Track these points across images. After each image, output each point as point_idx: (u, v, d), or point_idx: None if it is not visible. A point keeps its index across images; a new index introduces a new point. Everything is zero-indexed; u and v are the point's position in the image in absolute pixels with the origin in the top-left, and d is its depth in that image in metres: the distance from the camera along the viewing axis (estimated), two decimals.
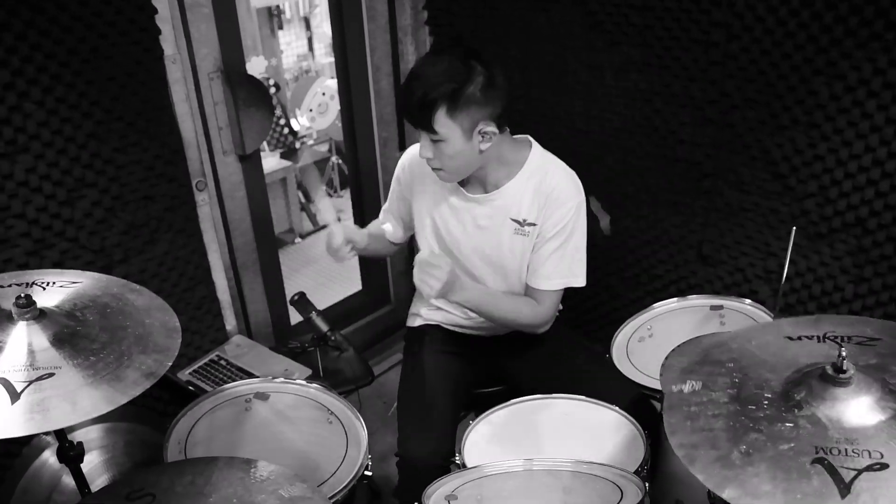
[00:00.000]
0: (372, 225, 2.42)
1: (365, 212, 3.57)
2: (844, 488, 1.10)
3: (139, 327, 1.54)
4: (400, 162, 2.27)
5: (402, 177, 2.26)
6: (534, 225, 2.03)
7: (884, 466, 1.12)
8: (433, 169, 1.99)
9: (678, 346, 2.01)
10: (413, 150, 2.17)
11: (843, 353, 1.22)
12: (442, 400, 2.10)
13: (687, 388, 1.37)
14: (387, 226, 2.40)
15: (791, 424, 1.22)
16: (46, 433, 2.10)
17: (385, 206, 2.42)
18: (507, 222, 2.05)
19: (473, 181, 2.08)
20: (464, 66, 1.82)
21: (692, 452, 1.23)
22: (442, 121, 1.83)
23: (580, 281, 2.07)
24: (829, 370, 1.23)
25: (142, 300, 1.64)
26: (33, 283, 1.63)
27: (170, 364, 1.46)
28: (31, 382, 1.35)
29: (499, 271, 2.13)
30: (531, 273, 2.07)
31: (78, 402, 1.34)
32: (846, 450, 1.16)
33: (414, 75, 1.86)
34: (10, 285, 1.62)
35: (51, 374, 1.37)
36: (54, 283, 1.64)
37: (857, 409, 1.21)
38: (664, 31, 2.41)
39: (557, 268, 2.04)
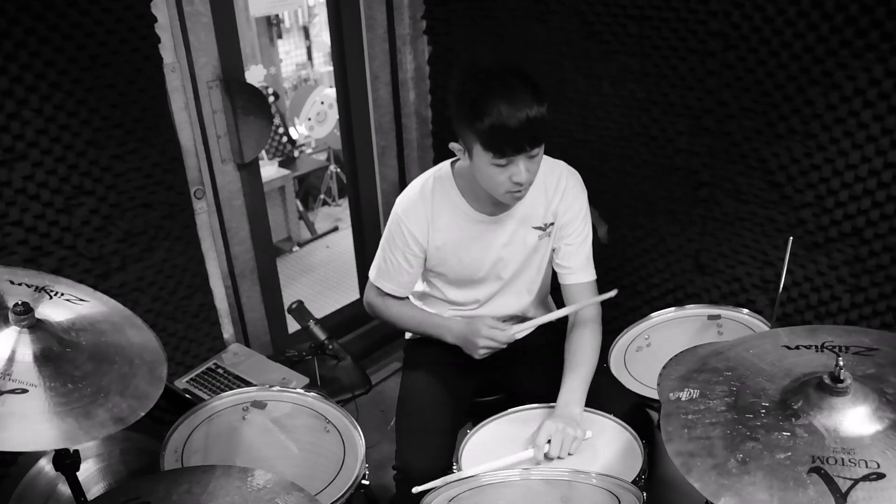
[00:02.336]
0: (408, 303, 2.25)
1: (362, 221, 3.57)
2: (840, 498, 1.10)
3: (126, 366, 1.50)
4: (404, 219, 2.05)
5: (416, 228, 2.05)
6: (553, 224, 2.07)
7: (880, 476, 1.12)
8: (516, 193, 1.88)
9: (675, 355, 2.01)
10: (408, 199, 2.06)
11: (841, 363, 1.22)
12: (441, 411, 2.10)
13: (685, 395, 1.36)
14: (414, 285, 2.22)
15: (788, 433, 1.22)
16: None
17: (389, 273, 2.15)
18: (530, 231, 2.06)
19: (483, 204, 2.03)
20: (534, 79, 1.79)
21: (689, 461, 1.23)
22: (546, 133, 1.82)
23: (594, 275, 2.15)
24: (827, 380, 1.23)
25: (139, 337, 1.60)
26: (43, 288, 1.59)
27: (143, 414, 1.42)
28: (1, 393, 1.32)
29: (512, 288, 2.15)
30: (576, 272, 2.10)
31: (38, 428, 1.29)
32: (843, 459, 1.16)
33: (510, 100, 1.74)
34: (20, 283, 1.59)
35: (24, 391, 1.34)
36: (62, 294, 1.61)
37: (854, 418, 1.21)
38: (661, 40, 2.42)
39: (590, 257, 2.13)
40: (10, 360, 1.39)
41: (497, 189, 1.87)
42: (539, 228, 2.07)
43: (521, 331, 2.05)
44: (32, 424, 1.30)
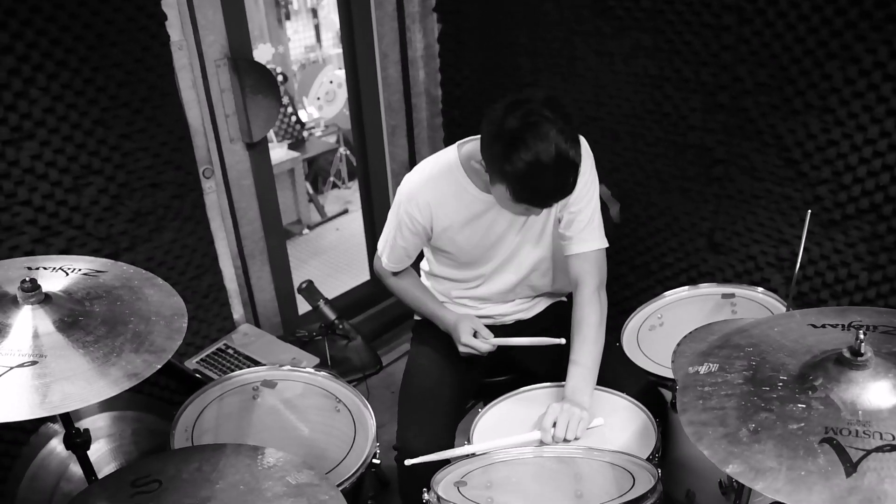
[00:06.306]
0: (415, 281, 2.29)
1: (372, 201, 3.56)
2: (851, 467, 1.09)
3: (142, 324, 1.50)
4: (407, 205, 2.04)
5: (418, 214, 2.04)
6: None
7: (894, 448, 1.11)
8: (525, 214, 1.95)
9: (689, 333, 1.99)
10: (412, 185, 2.05)
11: (861, 336, 1.20)
12: (444, 392, 2.09)
13: (703, 369, 1.35)
14: (408, 262, 2.24)
15: (803, 405, 1.21)
16: (53, 420, 2.10)
17: (397, 255, 2.17)
18: None
19: (487, 185, 1.99)
20: (568, 122, 1.72)
21: (701, 430, 1.23)
22: None
23: (606, 242, 2.06)
24: (847, 353, 1.21)
25: (158, 296, 1.60)
26: (60, 268, 1.63)
27: (158, 367, 1.41)
28: (11, 368, 1.33)
29: (512, 263, 2.12)
30: (576, 242, 2.02)
31: (48, 395, 1.30)
32: (857, 431, 1.15)
33: (549, 161, 1.68)
34: (37, 268, 1.62)
35: (34, 363, 1.35)
36: (80, 269, 1.63)
37: (872, 392, 1.19)
38: (675, 15, 2.37)
39: (600, 228, 2.04)
40: (24, 335, 1.40)
41: (511, 210, 1.91)
42: None
43: (505, 343, 2.07)
44: (40, 393, 1.30)
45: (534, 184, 1.73)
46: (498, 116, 1.73)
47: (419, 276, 2.34)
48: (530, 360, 2.20)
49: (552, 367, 2.03)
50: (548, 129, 1.68)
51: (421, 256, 2.32)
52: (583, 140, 2.02)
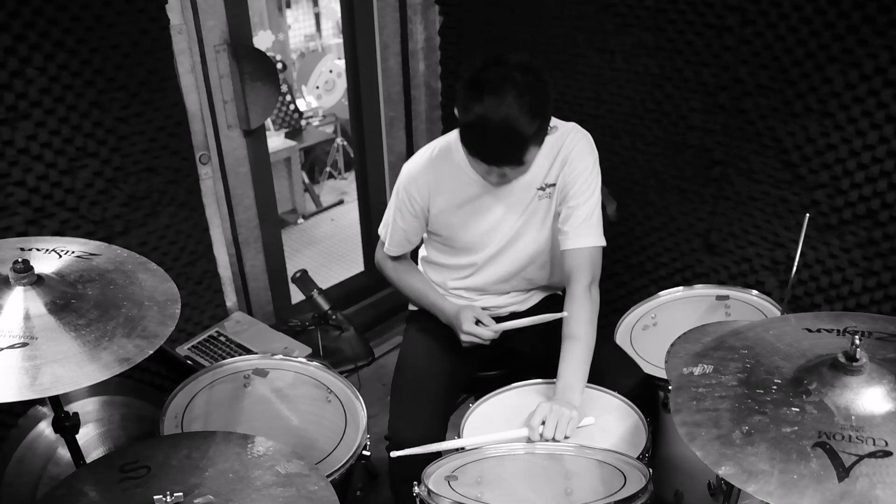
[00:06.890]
0: (416, 272, 2.30)
1: (369, 192, 3.54)
2: (843, 472, 1.10)
3: (135, 309, 1.49)
4: (407, 185, 2.08)
5: (417, 195, 2.07)
6: (554, 185, 2.02)
7: (887, 454, 1.11)
8: (497, 184, 1.93)
9: (683, 334, 1.98)
10: (413, 166, 2.08)
11: (857, 342, 1.20)
12: (436, 384, 2.08)
13: (698, 370, 1.35)
14: (409, 248, 2.25)
15: (797, 409, 1.21)
16: (42, 403, 2.09)
17: (397, 239, 2.19)
18: (533, 192, 2.03)
19: None
20: (537, 95, 1.73)
21: (694, 430, 1.24)
22: (531, 153, 1.79)
23: (604, 240, 2.05)
24: (842, 358, 1.21)
25: (152, 281, 1.59)
26: (53, 250, 1.61)
27: (150, 352, 1.40)
28: (1, 349, 1.32)
29: (509, 253, 2.11)
30: (572, 237, 2.01)
31: (38, 377, 1.29)
32: (850, 436, 1.15)
33: (496, 122, 1.70)
34: (30, 249, 1.61)
35: (24, 344, 1.34)
36: (73, 251, 1.62)
37: (866, 398, 1.20)
38: (677, 14, 2.37)
39: (598, 225, 2.03)
40: (15, 316, 1.39)
41: (478, 172, 1.91)
42: (539, 189, 2.03)
43: (508, 328, 2.05)
44: (30, 375, 1.29)
45: (479, 140, 1.76)
46: (475, 67, 1.76)
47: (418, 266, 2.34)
48: (522, 355, 2.20)
49: (544, 362, 2.02)
50: (507, 92, 1.69)
51: (419, 245, 2.32)
52: (588, 136, 2.03)
